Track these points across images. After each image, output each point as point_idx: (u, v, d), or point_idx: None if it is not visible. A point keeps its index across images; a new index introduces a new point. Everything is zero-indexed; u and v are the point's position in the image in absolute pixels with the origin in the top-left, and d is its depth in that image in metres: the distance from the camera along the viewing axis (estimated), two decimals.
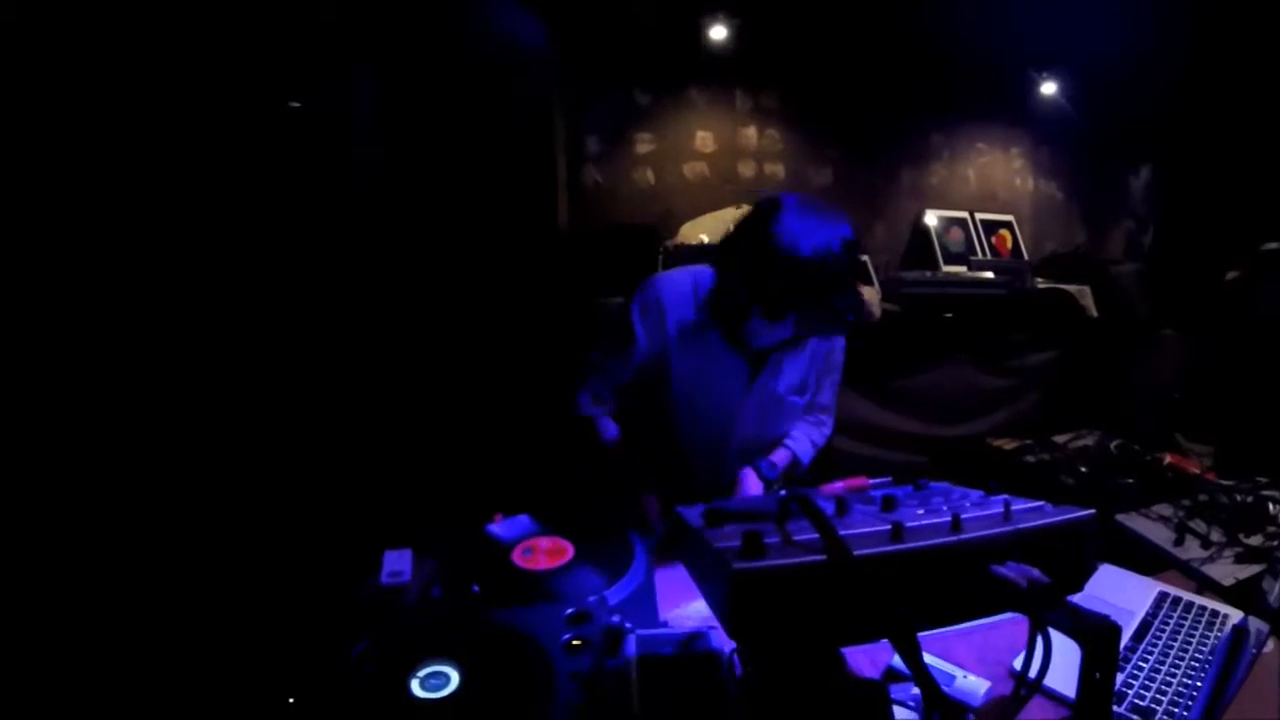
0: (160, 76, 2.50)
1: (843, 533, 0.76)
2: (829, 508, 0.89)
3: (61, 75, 2.34)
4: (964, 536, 0.77)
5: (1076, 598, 0.85)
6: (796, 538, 0.77)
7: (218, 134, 2.63)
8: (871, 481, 1.01)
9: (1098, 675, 0.77)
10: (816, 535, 0.74)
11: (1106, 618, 0.78)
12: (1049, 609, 0.77)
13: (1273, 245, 2.83)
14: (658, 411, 1.94)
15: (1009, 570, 0.75)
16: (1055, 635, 0.82)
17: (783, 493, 0.88)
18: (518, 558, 1.53)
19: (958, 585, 0.76)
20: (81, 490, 2.28)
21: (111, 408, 2.39)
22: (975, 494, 0.96)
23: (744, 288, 1.64)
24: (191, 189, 2.57)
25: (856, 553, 0.71)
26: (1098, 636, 0.76)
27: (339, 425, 2.75)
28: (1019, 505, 0.87)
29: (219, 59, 2.61)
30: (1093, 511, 0.85)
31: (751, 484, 1.87)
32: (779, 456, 1.96)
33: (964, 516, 0.80)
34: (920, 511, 0.86)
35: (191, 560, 2.28)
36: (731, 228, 1.69)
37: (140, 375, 2.46)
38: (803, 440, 2.02)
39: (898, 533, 0.76)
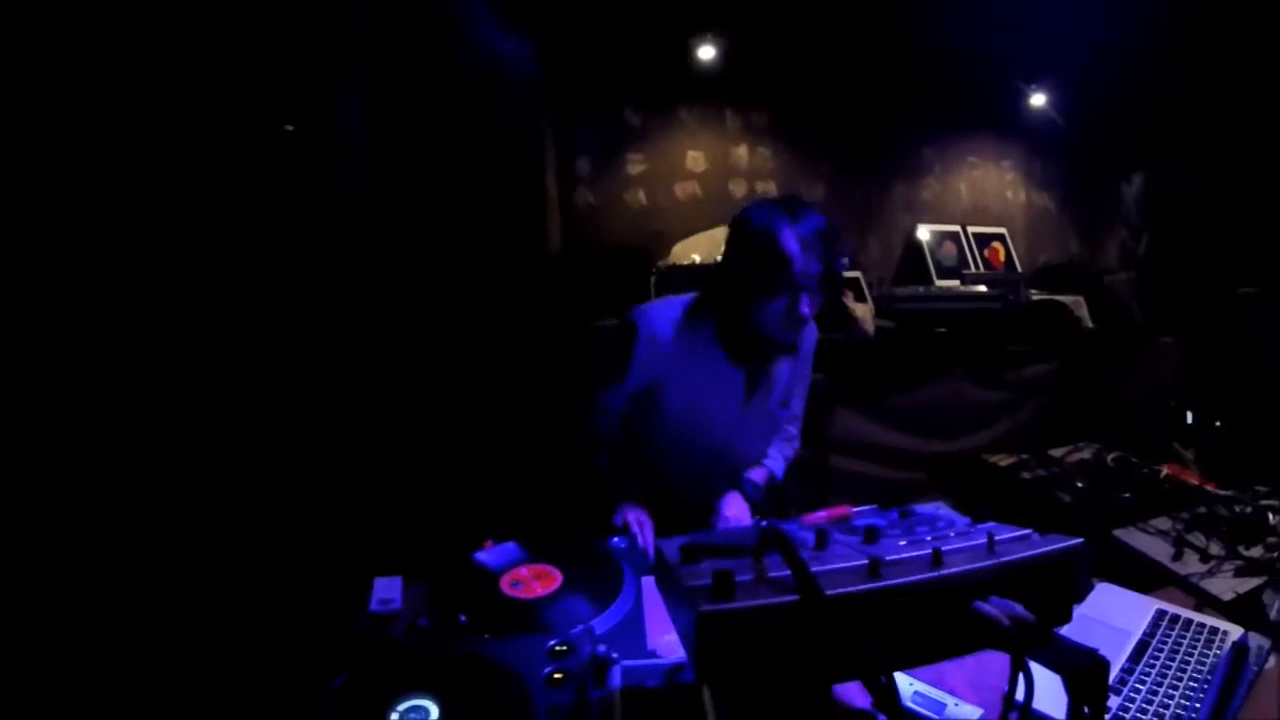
0: (161, 96, 2.52)
1: (819, 568, 0.74)
2: (809, 540, 0.87)
3: (71, 92, 2.36)
4: (944, 572, 0.75)
5: (1075, 616, 0.84)
6: (771, 574, 0.75)
7: (209, 154, 2.63)
8: (856, 510, 1.00)
9: (1086, 710, 0.75)
10: (790, 571, 0.72)
11: (1094, 652, 0.76)
12: (1033, 646, 0.75)
13: None
14: (651, 437, 1.98)
15: (991, 607, 0.73)
16: None
17: (764, 523, 0.87)
18: (506, 586, 1.52)
19: (937, 623, 0.74)
20: (68, 503, 2.27)
21: (105, 421, 2.39)
22: (961, 522, 0.94)
23: (749, 281, 1.73)
24: (178, 217, 2.57)
25: (831, 591, 0.69)
26: (1084, 672, 0.74)
27: (330, 447, 2.73)
28: (1004, 535, 0.85)
29: (213, 78, 2.62)
30: (1081, 541, 0.83)
31: (732, 503, 1.89)
32: (759, 475, 2.02)
33: (945, 549, 0.78)
34: (902, 543, 0.84)
35: (174, 581, 2.26)
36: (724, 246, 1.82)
37: (130, 399, 2.45)
38: (777, 457, 2.10)
39: (875, 569, 0.74)
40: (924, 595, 0.73)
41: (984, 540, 0.83)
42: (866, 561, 0.75)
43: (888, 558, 0.77)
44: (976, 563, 0.77)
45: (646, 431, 1.99)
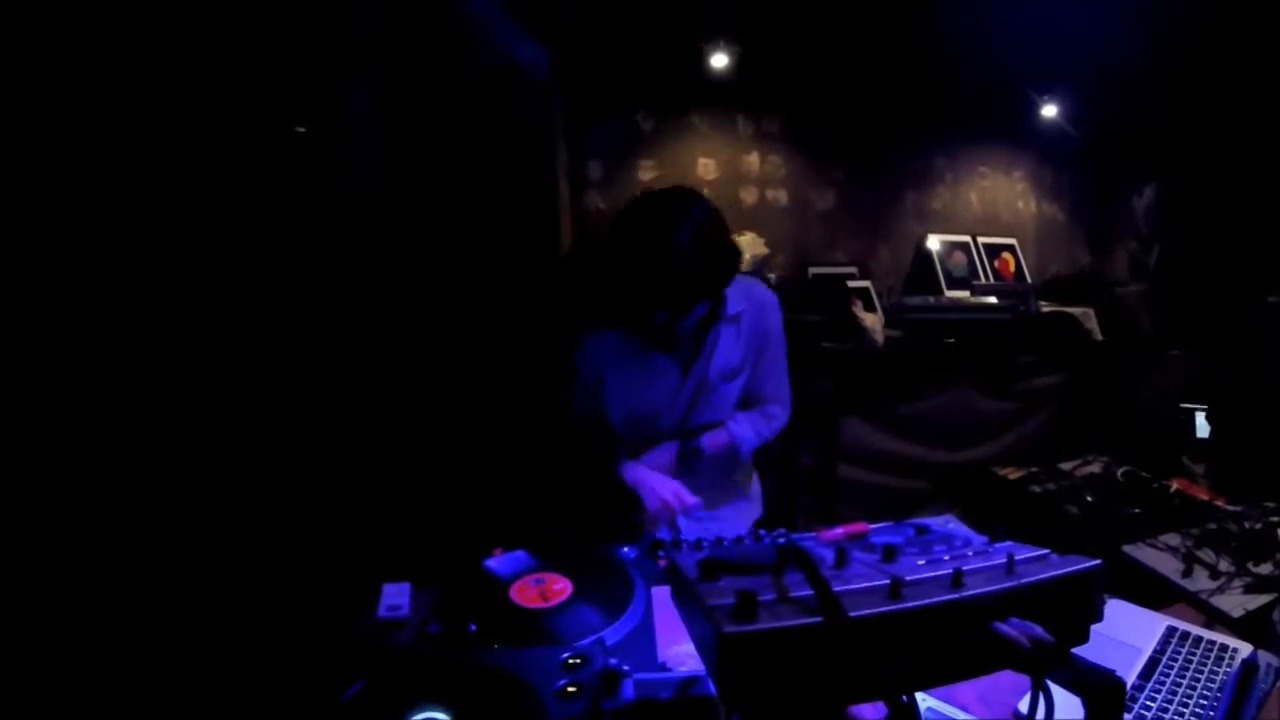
0: (167, 97, 2.52)
1: (840, 588, 0.74)
2: (828, 557, 0.87)
3: (80, 92, 2.37)
4: (965, 593, 0.75)
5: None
6: (792, 593, 0.75)
7: (220, 156, 2.63)
8: (872, 526, 1.00)
9: None
10: (812, 591, 0.73)
11: (1111, 673, 0.76)
12: (1052, 667, 0.75)
13: None
14: (612, 433, 2.03)
15: (1011, 628, 0.73)
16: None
17: (782, 540, 0.87)
18: (515, 595, 1.52)
19: (958, 644, 0.74)
20: (71, 506, 2.27)
21: (111, 422, 2.39)
22: (978, 540, 0.94)
23: (628, 288, 1.72)
24: (190, 221, 2.57)
25: (853, 612, 0.70)
26: (1101, 692, 0.74)
27: (340, 449, 2.73)
28: (1023, 555, 0.85)
29: (222, 78, 2.62)
30: (1099, 562, 0.83)
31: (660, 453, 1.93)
32: (712, 437, 1.99)
33: (966, 570, 0.78)
34: (921, 562, 0.84)
35: (179, 585, 2.26)
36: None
37: (138, 401, 2.45)
38: (745, 426, 2.02)
39: (896, 590, 0.74)
40: (945, 616, 0.74)
41: (1003, 560, 0.83)
42: (887, 582, 0.75)
43: (908, 578, 0.77)
44: (996, 584, 0.77)
45: (608, 429, 2.03)
